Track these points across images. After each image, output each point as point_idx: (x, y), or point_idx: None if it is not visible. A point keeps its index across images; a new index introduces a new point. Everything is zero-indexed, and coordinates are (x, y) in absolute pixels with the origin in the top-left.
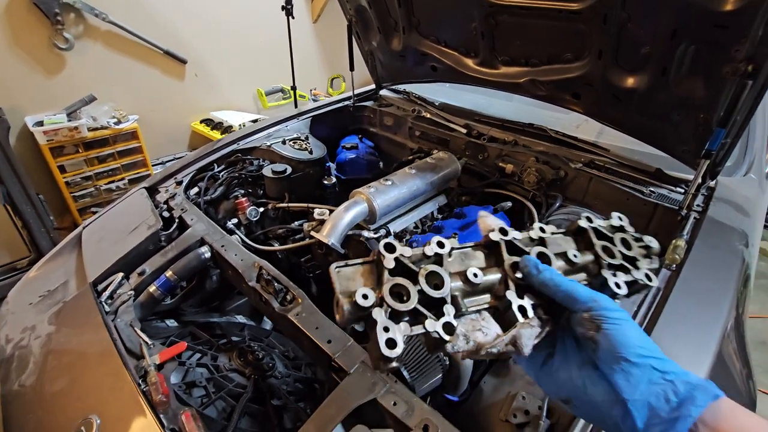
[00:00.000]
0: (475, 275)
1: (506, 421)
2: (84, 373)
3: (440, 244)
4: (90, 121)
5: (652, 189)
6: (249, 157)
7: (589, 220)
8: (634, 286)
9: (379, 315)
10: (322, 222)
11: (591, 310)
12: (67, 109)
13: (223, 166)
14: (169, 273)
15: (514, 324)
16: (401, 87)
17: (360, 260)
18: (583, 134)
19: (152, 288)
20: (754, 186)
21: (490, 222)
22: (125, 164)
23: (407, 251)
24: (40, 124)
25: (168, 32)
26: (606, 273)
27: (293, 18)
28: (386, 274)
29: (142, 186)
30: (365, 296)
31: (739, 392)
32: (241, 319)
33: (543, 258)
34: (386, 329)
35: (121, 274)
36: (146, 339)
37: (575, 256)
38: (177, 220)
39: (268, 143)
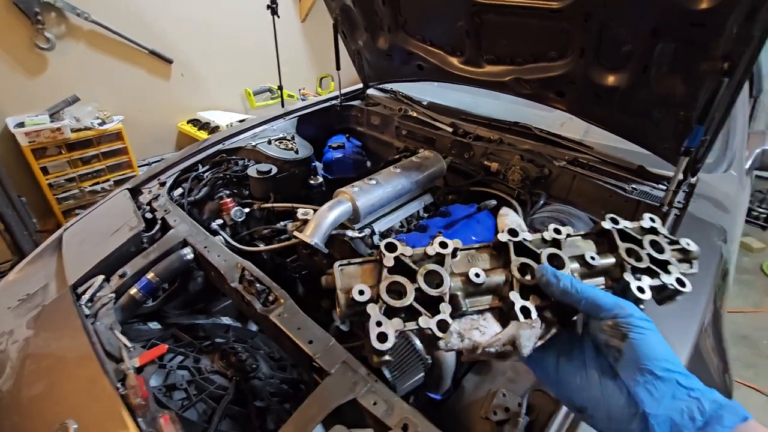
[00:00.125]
0: (477, 275)
1: (486, 418)
2: (62, 378)
3: (443, 245)
4: (73, 122)
5: (634, 186)
6: (234, 157)
7: (614, 221)
8: (664, 292)
9: (373, 310)
10: (305, 222)
11: (616, 317)
12: (50, 110)
13: (207, 167)
14: (150, 275)
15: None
16: (389, 86)
17: (363, 259)
18: (567, 132)
19: (133, 290)
20: (734, 182)
21: (507, 222)
22: (110, 165)
23: (408, 251)
24: (22, 125)
25: (153, 32)
26: (628, 276)
27: (279, 17)
28: (385, 272)
29: (124, 187)
30: (361, 292)
31: (715, 386)
32: (226, 320)
33: (555, 260)
34: (379, 324)
35: (101, 277)
36: (126, 342)
37: (593, 258)
38: (160, 222)
39: (254, 143)
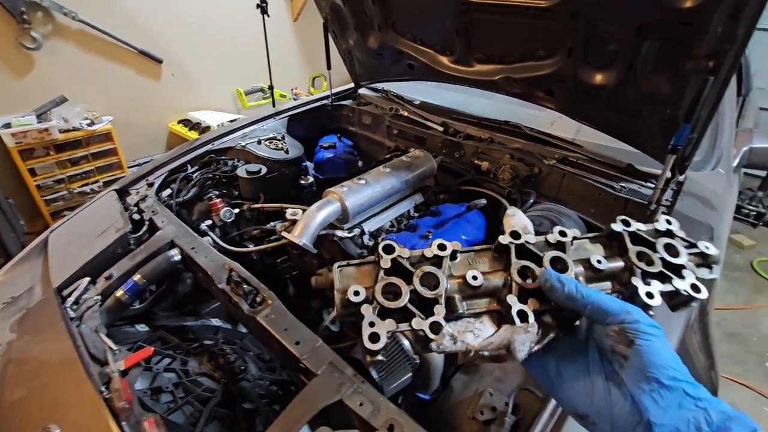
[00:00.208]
0: (475, 278)
1: (473, 418)
2: (45, 382)
3: (441, 247)
4: (61, 122)
5: (623, 184)
6: (223, 157)
7: (626, 223)
8: (677, 298)
9: (367, 311)
10: (294, 222)
11: (623, 323)
12: (37, 111)
13: (196, 167)
14: (137, 277)
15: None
16: (380, 85)
17: (362, 260)
18: (559, 131)
19: (119, 292)
20: (722, 180)
21: (514, 222)
22: (99, 166)
23: (405, 252)
24: (8, 126)
25: (142, 31)
26: (636, 281)
27: (269, 16)
28: (381, 273)
29: (112, 188)
30: (357, 293)
31: (701, 383)
32: (216, 322)
33: (559, 263)
34: (372, 324)
35: (87, 279)
36: (111, 345)
37: (599, 262)
38: (147, 223)
39: (243, 143)
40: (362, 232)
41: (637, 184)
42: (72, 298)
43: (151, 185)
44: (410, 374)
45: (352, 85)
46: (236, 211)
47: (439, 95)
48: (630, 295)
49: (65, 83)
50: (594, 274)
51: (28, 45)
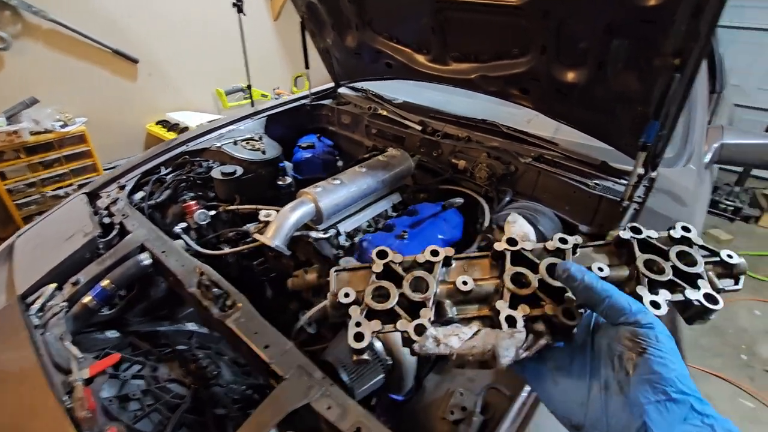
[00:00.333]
0: (465, 283)
1: (444, 418)
2: (4, 393)
3: (434, 253)
4: (32, 124)
5: (597, 182)
6: (198, 159)
7: (635, 230)
8: (690, 309)
9: (355, 312)
10: (267, 224)
11: (636, 325)
12: (6, 113)
13: (170, 169)
14: (105, 282)
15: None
16: (360, 85)
17: (358, 266)
18: (538, 129)
19: (87, 298)
20: (693, 176)
21: (514, 230)
22: (74, 169)
23: (398, 258)
24: None
25: (117, 30)
26: (642, 290)
27: (245, 15)
28: (373, 277)
29: (82, 191)
30: (347, 295)
31: None
32: (191, 326)
33: (555, 270)
34: (358, 324)
35: (53, 285)
36: (76, 352)
37: (600, 269)
38: (117, 227)
39: (219, 144)
40: (338, 233)
41: (611, 181)
42: (37, 305)
43: (122, 188)
44: (382, 376)
45: (332, 84)
46: (212, 213)
47: (421, 94)
48: None
49: (36, 84)
50: None
51: None
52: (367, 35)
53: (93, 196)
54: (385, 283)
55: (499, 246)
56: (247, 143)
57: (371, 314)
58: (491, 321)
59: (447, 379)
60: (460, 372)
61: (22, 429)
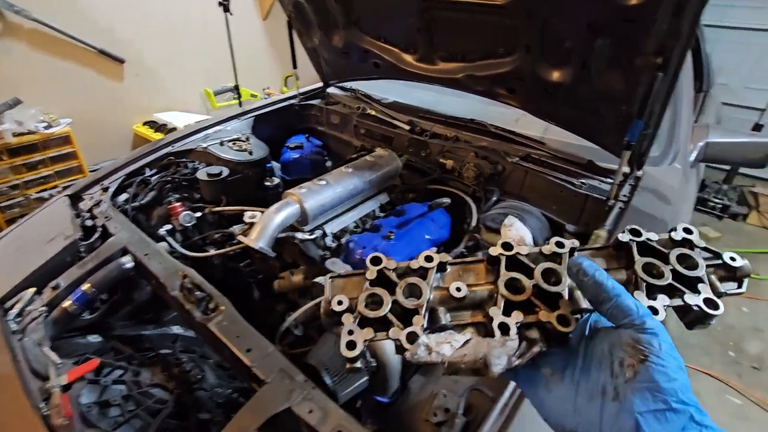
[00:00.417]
0: (458, 289)
1: (427, 420)
2: None
3: (428, 259)
4: (15, 126)
5: (583, 181)
6: (184, 159)
7: (635, 232)
8: (690, 314)
9: (348, 320)
10: (252, 226)
11: (639, 329)
12: None
13: (155, 170)
14: (85, 286)
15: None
16: (349, 84)
17: (353, 272)
18: (525, 128)
19: (67, 303)
20: (678, 175)
21: (511, 233)
22: (59, 171)
23: (392, 264)
24: None
25: (102, 30)
26: (639, 295)
27: (231, 14)
28: (366, 284)
29: (64, 194)
30: (340, 302)
31: None
32: (176, 329)
33: (553, 275)
34: (350, 332)
35: (32, 290)
36: (54, 358)
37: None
38: (100, 229)
39: (205, 145)
40: (324, 234)
41: (598, 180)
42: (15, 310)
43: (106, 190)
44: (366, 378)
45: (321, 84)
46: (198, 215)
47: (412, 94)
48: None
49: (19, 85)
50: None
51: None
52: (354, 35)
53: (75, 199)
54: (378, 290)
55: (494, 251)
56: (233, 144)
57: (364, 322)
58: (485, 327)
59: (431, 381)
60: None
61: None
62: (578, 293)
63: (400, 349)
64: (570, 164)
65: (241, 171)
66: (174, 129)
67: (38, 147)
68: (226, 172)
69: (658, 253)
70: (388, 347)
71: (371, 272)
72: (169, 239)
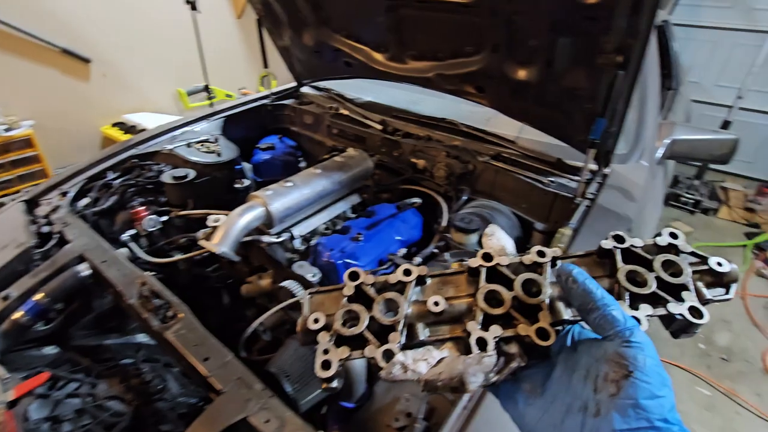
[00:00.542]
0: (436, 304)
1: (389, 425)
2: None
3: (406, 272)
4: None
5: (552, 179)
6: (148, 162)
7: (618, 239)
8: (674, 323)
9: (324, 338)
10: (215, 229)
11: (624, 342)
12: None
13: (118, 174)
14: (39, 296)
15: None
16: (324, 84)
17: (332, 288)
18: (500, 127)
19: (18, 314)
20: (645, 172)
21: (491, 243)
22: (21, 175)
23: (370, 279)
24: None
25: (66, 29)
26: (622, 304)
27: (199, 12)
28: (344, 300)
29: (20, 199)
30: (316, 320)
31: None
32: (141, 338)
33: (534, 286)
34: (325, 351)
35: None
36: (1, 372)
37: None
38: (56, 236)
39: (171, 147)
40: (292, 237)
41: (566, 178)
42: None
43: (64, 195)
44: None
45: (294, 83)
46: (164, 219)
47: (389, 94)
48: None
49: None
50: None
51: None
52: (324, 33)
53: (32, 204)
54: (355, 307)
55: (475, 262)
56: (201, 145)
57: (340, 340)
58: (464, 342)
59: (395, 385)
60: None
61: None
62: (560, 304)
63: (375, 368)
64: (540, 163)
65: (209, 173)
66: (144, 130)
67: None
68: (192, 174)
69: (643, 259)
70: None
71: (349, 288)
72: (132, 245)
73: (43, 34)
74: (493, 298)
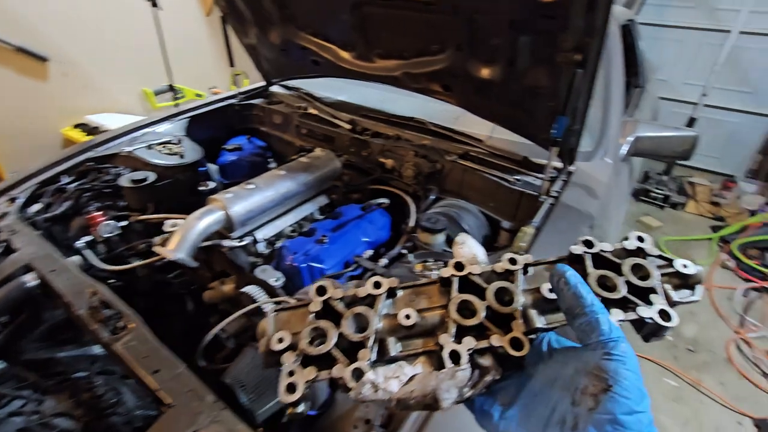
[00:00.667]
0: (407, 317)
1: None
2: None
3: (376, 285)
4: None
5: (518, 177)
6: (106, 165)
7: (588, 243)
8: (645, 327)
9: (289, 359)
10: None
11: (606, 353)
12: None
13: (73, 178)
14: None
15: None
16: (294, 83)
17: (298, 303)
18: (468, 126)
19: None
20: (609, 169)
21: (463, 252)
22: None
23: (338, 293)
24: None
25: (20, 26)
26: None
27: (160, 9)
28: (310, 317)
29: None
30: (281, 340)
31: None
32: (97, 349)
33: (506, 294)
34: (291, 373)
35: None
36: None
37: (551, 290)
38: (3, 245)
39: (130, 149)
40: (255, 240)
41: (532, 177)
42: None
43: (13, 200)
44: None
45: (263, 83)
46: (123, 224)
47: (361, 93)
48: None
49: None
50: (546, 305)
51: None
52: (290, 32)
53: None
54: (323, 323)
55: (447, 272)
56: (163, 147)
57: (307, 360)
58: (437, 355)
59: None
60: None
61: None
62: (532, 312)
63: (344, 389)
64: (507, 161)
65: (172, 176)
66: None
67: None
68: (152, 177)
69: (612, 264)
70: None
71: (315, 303)
72: (86, 252)
73: None
74: (465, 308)
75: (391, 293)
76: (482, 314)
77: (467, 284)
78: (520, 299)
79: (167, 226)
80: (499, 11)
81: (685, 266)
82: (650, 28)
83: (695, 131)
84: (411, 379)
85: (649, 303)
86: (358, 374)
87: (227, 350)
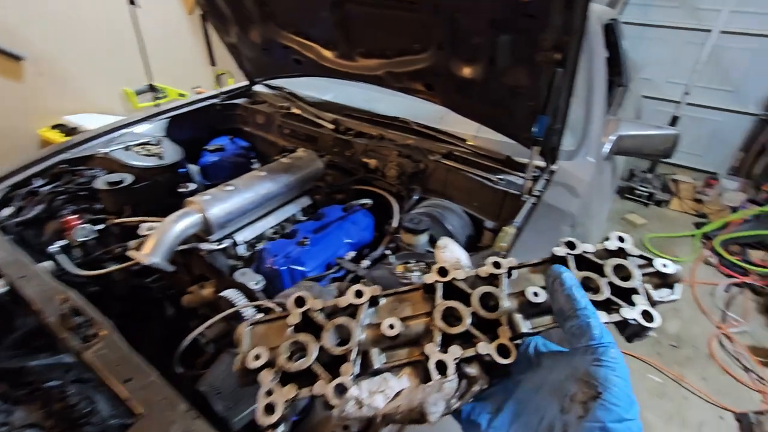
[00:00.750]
0: (391, 327)
1: None
2: None
3: (358, 294)
4: None
5: (501, 177)
6: (81, 167)
7: (570, 245)
8: (629, 328)
9: (266, 377)
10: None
11: (597, 360)
12: None
13: (46, 180)
14: None
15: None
16: (277, 82)
17: (275, 315)
18: (453, 125)
19: None
20: (591, 168)
21: (446, 256)
22: None
23: (318, 304)
24: None
25: None
26: None
27: (138, 6)
28: (289, 330)
29: None
30: (257, 356)
31: None
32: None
33: (491, 299)
34: (269, 393)
35: None
36: None
37: (536, 294)
38: None
39: (106, 150)
40: (235, 243)
41: (515, 176)
42: None
43: None
44: None
45: (246, 82)
46: (100, 227)
47: (347, 92)
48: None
49: None
50: (531, 309)
51: None
52: (271, 30)
53: None
54: (302, 337)
55: (430, 278)
56: (142, 148)
57: (286, 377)
58: (423, 366)
59: None
60: None
61: None
62: (518, 317)
63: (326, 406)
64: (490, 161)
65: (150, 177)
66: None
67: None
68: (129, 179)
69: (595, 265)
70: None
71: (294, 315)
72: (60, 257)
73: None
74: (450, 315)
75: (373, 302)
76: (468, 321)
77: (451, 290)
78: (506, 304)
79: (142, 230)
80: (480, 10)
81: (664, 266)
82: (634, 27)
83: (676, 130)
84: (398, 393)
85: (632, 304)
86: (341, 390)
87: (207, 355)
